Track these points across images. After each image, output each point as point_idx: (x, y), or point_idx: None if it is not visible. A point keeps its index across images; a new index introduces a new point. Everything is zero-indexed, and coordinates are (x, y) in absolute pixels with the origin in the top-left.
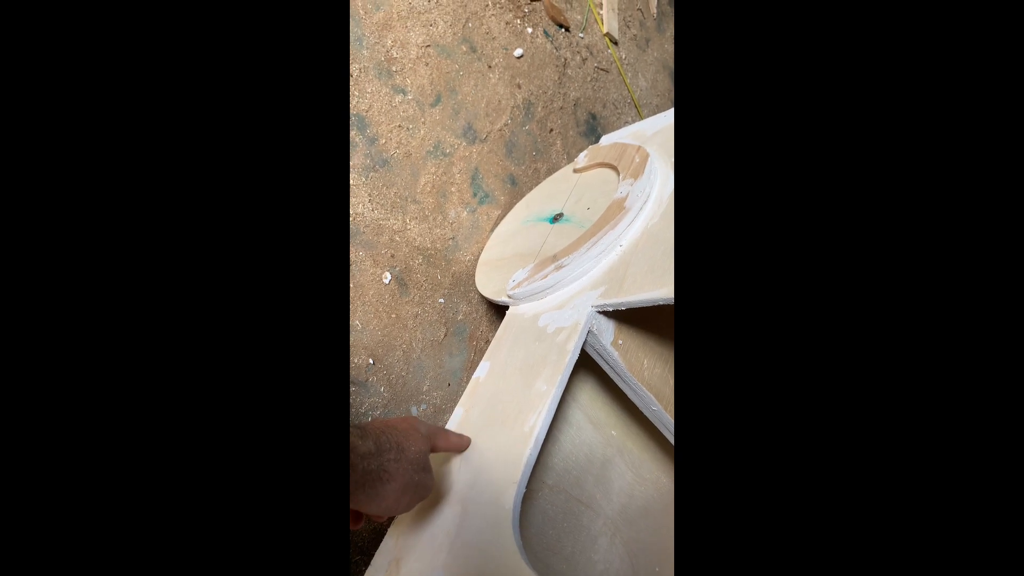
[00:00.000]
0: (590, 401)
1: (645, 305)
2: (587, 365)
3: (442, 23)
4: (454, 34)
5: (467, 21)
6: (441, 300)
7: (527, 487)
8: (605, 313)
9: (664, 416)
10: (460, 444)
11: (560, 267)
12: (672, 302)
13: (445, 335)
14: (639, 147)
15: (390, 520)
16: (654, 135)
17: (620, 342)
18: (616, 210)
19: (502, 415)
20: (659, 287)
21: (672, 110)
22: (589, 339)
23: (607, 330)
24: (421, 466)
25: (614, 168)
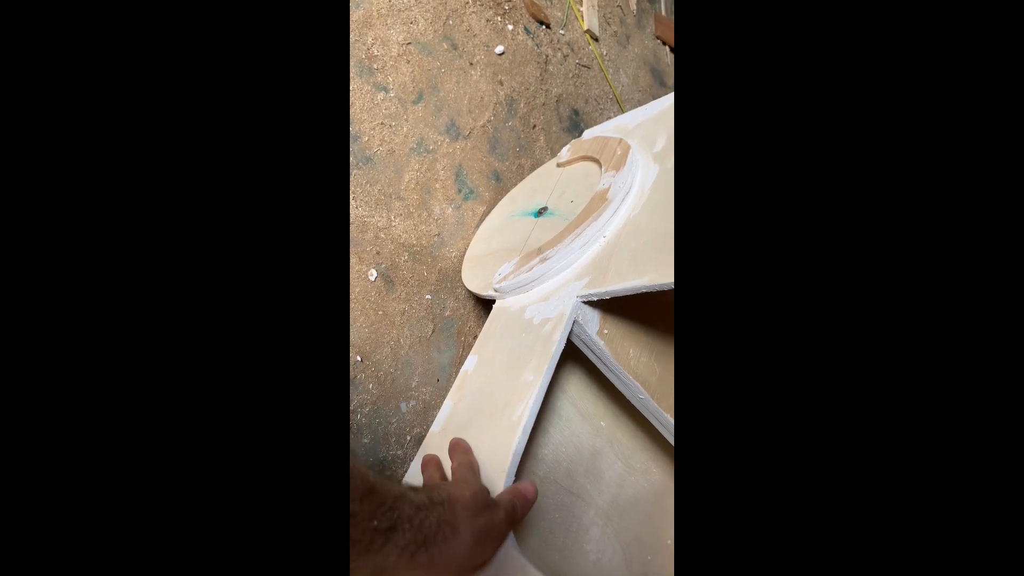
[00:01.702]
0: (579, 393)
1: (629, 293)
2: (575, 357)
3: (423, 21)
4: (435, 32)
5: (447, 19)
6: (428, 296)
7: (518, 478)
8: (590, 303)
9: (651, 404)
10: (527, 492)
11: (545, 259)
12: (654, 289)
13: (433, 331)
14: (620, 140)
15: None
16: (636, 128)
17: (606, 331)
18: (599, 202)
19: (490, 406)
20: (642, 275)
21: (653, 103)
22: (575, 329)
23: (592, 320)
24: (481, 507)
25: (596, 161)
